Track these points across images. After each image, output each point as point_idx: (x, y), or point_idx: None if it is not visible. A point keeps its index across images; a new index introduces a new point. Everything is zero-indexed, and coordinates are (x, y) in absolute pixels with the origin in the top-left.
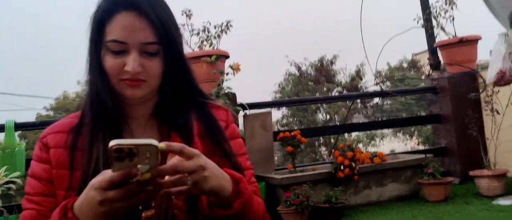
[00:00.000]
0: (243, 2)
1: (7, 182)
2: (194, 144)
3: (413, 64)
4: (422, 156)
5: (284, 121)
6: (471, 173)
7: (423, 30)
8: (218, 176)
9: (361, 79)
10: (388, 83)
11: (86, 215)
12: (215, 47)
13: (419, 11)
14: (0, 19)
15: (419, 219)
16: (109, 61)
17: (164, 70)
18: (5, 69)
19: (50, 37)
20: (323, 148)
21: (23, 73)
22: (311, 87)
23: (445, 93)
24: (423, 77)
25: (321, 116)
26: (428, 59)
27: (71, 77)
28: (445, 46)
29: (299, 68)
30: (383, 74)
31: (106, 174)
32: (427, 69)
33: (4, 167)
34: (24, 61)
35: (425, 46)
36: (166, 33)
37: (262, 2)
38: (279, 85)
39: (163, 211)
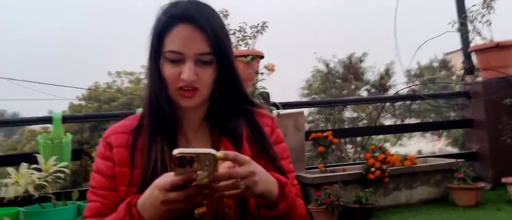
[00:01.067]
0: None
1: (56, 171)
2: (243, 149)
3: (444, 64)
4: (453, 160)
5: (310, 118)
6: (504, 179)
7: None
8: (266, 180)
9: (390, 78)
10: (417, 82)
11: (149, 212)
12: (251, 48)
13: (454, 14)
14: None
15: None
16: (167, 70)
17: (216, 78)
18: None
19: (90, 28)
20: (349, 146)
21: (58, 63)
22: (339, 85)
23: (478, 98)
24: (453, 77)
25: (348, 114)
26: (462, 63)
27: (102, 69)
28: (480, 50)
29: (327, 65)
30: (412, 73)
31: (168, 177)
32: (458, 69)
33: (54, 157)
34: (59, 52)
35: (457, 46)
36: (219, 44)
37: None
38: (306, 82)
39: (215, 209)
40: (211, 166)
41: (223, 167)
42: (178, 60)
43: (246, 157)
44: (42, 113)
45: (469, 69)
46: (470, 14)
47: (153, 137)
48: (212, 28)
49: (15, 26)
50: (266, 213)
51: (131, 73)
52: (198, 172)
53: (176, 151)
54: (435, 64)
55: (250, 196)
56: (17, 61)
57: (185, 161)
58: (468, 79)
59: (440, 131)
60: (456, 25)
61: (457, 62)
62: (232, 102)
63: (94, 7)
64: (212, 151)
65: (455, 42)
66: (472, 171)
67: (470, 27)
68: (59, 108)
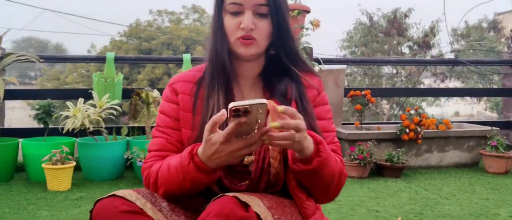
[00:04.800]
0: None
1: (109, 108)
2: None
3: (494, 25)
4: (488, 128)
5: (348, 70)
6: None
7: None
8: (306, 136)
9: (435, 36)
10: (462, 42)
11: (210, 158)
12: (297, 1)
13: None
14: None
15: (475, 187)
16: (228, 21)
17: (271, 32)
18: None
19: None
20: (384, 102)
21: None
22: (381, 39)
23: None
24: (503, 40)
25: (387, 70)
26: (511, 30)
27: (144, 6)
28: None
29: (370, 18)
30: (459, 33)
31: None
32: (508, 31)
33: (107, 95)
34: None
35: (509, 6)
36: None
37: None
38: (347, 34)
39: (262, 158)
40: (263, 115)
41: (294, 121)
42: (238, 12)
43: (299, 114)
44: (84, 47)
45: None
46: None
47: (212, 88)
48: None
49: None
50: (301, 167)
51: (172, 13)
52: (269, 122)
53: (231, 105)
54: (484, 25)
55: (298, 149)
56: None
57: (240, 113)
58: None
59: None
60: None
61: (509, 23)
62: (284, 62)
63: None
64: (264, 100)
65: (508, 2)
66: (505, 139)
67: None
68: (101, 43)
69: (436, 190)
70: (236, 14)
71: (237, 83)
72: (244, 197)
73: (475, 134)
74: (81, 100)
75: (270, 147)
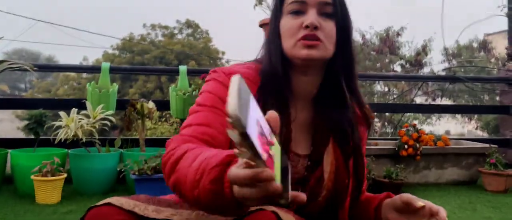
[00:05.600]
0: None
1: (103, 118)
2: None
3: (484, 45)
4: (486, 145)
5: None
6: None
7: (499, 10)
8: None
9: (427, 55)
10: (454, 62)
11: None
12: None
13: None
14: None
15: (476, 206)
16: (287, 23)
17: (336, 38)
18: (78, 7)
19: None
20: (376, 120)
21: (95, 12)
22: (373, 57)
23: None
24: (492, 60)
25: (379, 88)
26: (506, 48)
27: (136, 20)
28: None
29: (363, 36)
30: (450, 52)
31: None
32: (498, 52)
33: (101, 105)
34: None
35: (499, 27)
36: None
37: None
38: None
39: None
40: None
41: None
42: (300, 11)
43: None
44: (76, 59)
45: None
46: None
47: (264, 97)
48: None
49: None
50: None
51: (166, 27)
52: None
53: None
54: (475, 45)
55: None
56: (56, 6)
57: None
58: (511, 65)
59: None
60: (505, 10)
61: (498, 44)
62: (343, 87)
63: None
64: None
65: (498, 23)
66: (504, 157)
67: None
68: (93, 56)
69: None
70: (298, 13)
71: (292, 97)
72: (283, 215)
73: (474, 151)
74: (74, 110)
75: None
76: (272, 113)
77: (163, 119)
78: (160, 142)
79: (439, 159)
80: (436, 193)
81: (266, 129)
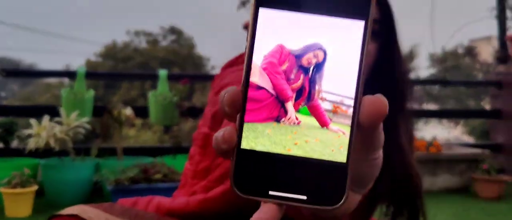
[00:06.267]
0: None
1: (78, 126)
2: None
3: (469, 51)
4: (479, 150)
5: None
6: None
7: (484, 17)
8: None
9: (413, 59)
10: (440, 68)
11: None
12: None
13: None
14: None
15: (470, 214)
16: None
17: (376, 59)
18: (59, 11)
19: None
20: None
21: (76, 17)
22: None
23: (510, 88)
24: (477, 65)
25: None
26: (496, 52)
27: (120, 26)
28: None
29: None
30: (435, 57)
31: None
32: (483, 57)
33: (76, 112)
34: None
35: (484, 33)
36: (390, 14)
37: None
38: None
39: None
40: None
41: None
42: None
43: None
44: (59, 66)
45: (503, 58)
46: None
47: None
48: None
49: None
50: None
51: (149, 34)
52: None
53: None
54: (460, 50)
55: None
56: (38, 11)
57: None
58: (501, 68)
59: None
60: (495, 12)
61: (482, 50)
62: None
63: None
64: None
65: (482, 30)
66: (496, 162)
67: (509, 14)
68: (76, 63)
69: (431, 217)
70: None
71: None
72: None
73: (466, 157)
74: (46, 117)
75: None
76: None
77: (147, 126)
78: (141, 151)
79: (431, 165)
80: (430, 201)
81: None
